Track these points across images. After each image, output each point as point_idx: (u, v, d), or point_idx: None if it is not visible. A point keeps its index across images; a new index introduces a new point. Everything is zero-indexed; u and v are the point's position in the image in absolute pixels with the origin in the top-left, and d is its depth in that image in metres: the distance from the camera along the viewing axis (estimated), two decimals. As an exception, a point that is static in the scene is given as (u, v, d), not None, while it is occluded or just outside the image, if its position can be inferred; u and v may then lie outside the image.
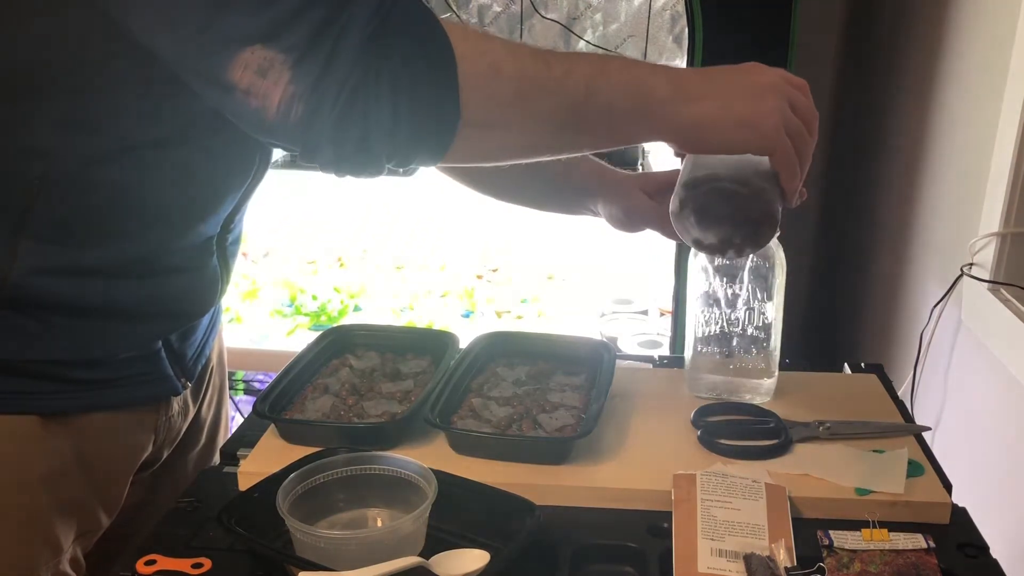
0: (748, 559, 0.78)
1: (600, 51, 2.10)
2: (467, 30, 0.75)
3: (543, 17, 2.09)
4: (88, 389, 0.90)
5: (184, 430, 1.06)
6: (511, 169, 0.89)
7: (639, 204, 1.06)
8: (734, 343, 1.03)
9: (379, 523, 0.84)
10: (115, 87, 0.80)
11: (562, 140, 0.80)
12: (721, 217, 0.87)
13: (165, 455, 1.04)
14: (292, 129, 0.70)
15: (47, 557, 0.89)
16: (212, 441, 1.14)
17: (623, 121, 0.79)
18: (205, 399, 1.10)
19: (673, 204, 0.89)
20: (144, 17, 0.72)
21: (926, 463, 0.92)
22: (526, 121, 0.76)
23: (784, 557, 0.78)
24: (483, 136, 0.76)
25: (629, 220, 1.07)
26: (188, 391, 1.03)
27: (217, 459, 1.07)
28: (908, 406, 1.35)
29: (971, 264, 1.29)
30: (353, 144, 0.71)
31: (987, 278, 1.24)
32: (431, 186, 2.22)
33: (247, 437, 1.00)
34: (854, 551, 0.80)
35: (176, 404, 1.01)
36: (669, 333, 1.90)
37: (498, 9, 2.11)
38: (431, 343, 1.14)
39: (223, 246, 0.98)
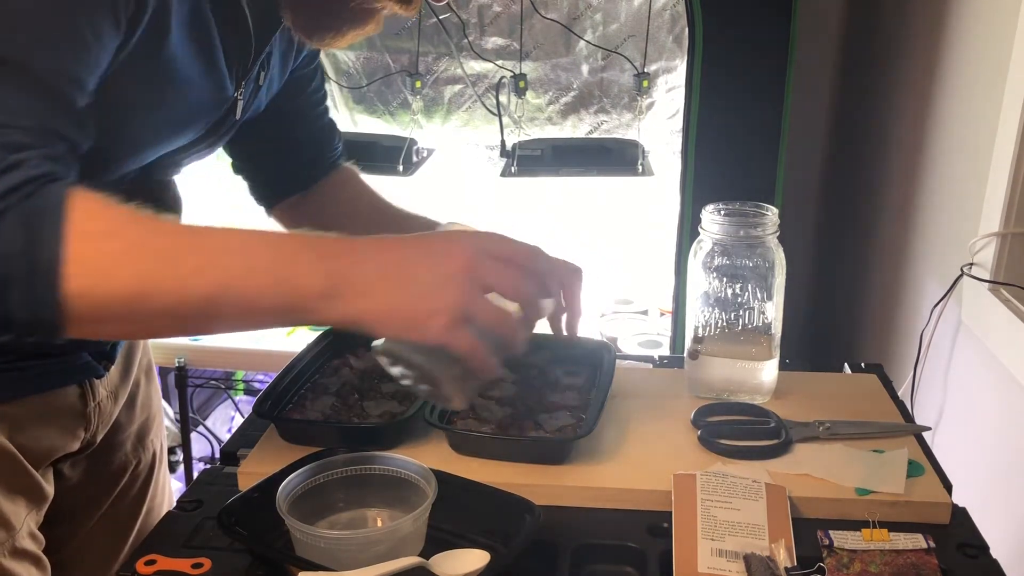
0: (748, 559, 0.78)
1: (601, 51, 2.10)
2: (94, 210, 0.69)
3: (543, 17, 2.09)
4: (6, 373, 0.91)
5: (117, 412, 1.08)
6: (355, 226, 0.84)
7: None
8: (734, 343, 1.03)
9: (379, 523, 0.84)
10: None
11: (189, 328, 0.76)
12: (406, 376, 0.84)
13: (100, 438, 1.06)
14: None
15: (2, 537, 0.92)
16: (148, 419, 1.16)
17: (266, 314, 0.74)
18: (135, 379, 1.12)
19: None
20: None
21: (926, 463, 0.92)
22: (143, 316, 0.72)
23: (784, 557, 0.78)
24: (94, 328, 0.72)
25: None
26: (115, 374, 1.05)
27: (164, 434, 1.12)
28: (908, 406, 1.35)
29: (971, 264, 1.29)
30: None
31: (987, 278, 1.24)
32: (430, 186, 2.22)
33: (247, 437, 1.00)
34: (854, 551, 0.80)
35: (103, 389, 1.03)
36: (669, 333, 1.90)
37: (498, 9, 2.11)
38: (431, 343, 1.14)
39: None
